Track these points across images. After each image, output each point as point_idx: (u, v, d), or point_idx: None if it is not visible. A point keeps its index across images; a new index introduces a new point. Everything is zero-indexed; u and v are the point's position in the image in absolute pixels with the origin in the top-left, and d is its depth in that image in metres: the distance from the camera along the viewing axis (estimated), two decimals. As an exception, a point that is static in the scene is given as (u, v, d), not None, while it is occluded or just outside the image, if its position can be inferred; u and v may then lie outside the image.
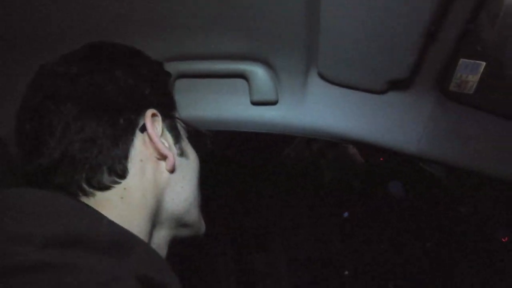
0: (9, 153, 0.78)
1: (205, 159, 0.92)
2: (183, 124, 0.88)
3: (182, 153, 0.82)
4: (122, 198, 0.70)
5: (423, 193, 2.65)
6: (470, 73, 0.96)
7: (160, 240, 0.80)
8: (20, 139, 0.73)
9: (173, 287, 0.62)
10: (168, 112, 0.83)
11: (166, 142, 0.78)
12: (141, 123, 0.75)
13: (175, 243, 0.86)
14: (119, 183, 0.71)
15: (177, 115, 0.87)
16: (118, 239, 0.59)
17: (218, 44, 1.00)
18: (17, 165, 0.76)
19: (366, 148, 1.14)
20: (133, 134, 0.73)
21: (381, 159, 3.25)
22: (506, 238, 2.41)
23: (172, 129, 0.82)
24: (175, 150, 0.80)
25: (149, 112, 0.76)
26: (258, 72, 1.05)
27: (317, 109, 1.10)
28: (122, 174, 0.71)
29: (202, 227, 0.91)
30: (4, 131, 0.96)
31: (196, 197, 0.85)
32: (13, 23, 0.93)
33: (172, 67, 1.06)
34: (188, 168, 0.83)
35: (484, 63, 0.94)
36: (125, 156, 0.72)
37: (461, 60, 0.96)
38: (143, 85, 0.78)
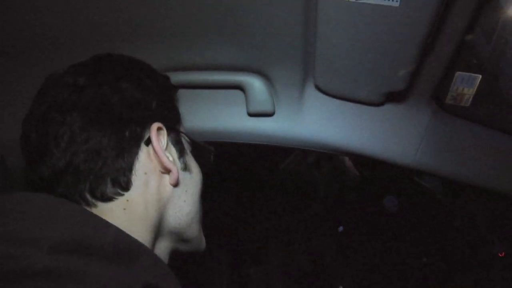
0: (5, 162, 0.76)
1: (207, 173, 0.91)
2: (187, 138, 0.88)
3: (185, 167, 0.82)
4: (124, 209, 0.70)
5: (418, 207, 2.63)
6: (466, 86, 0.97)
7: (161, 250, 0.80)
8: (26, 148, 0.73)
9: None
10: (173, 125, 0.83)
11: (170, 156, 0.78)
12: (146, 136, 0.75)
13: (175, 255, 0.87)
14: (122, 195, 0.71)
15: (181, 129, 0.87)
16: (124, 247, 0.58)
17: (215, 54, 1.00)
18: (14, 174, 0.75)
19: (363, 160, 1.14)
20: (138, 147, 0.74)
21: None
22: (503, 253, 2.40)
23: (177, 143, 0.82)
24: (179, 164, 0.80)
25: (155, 125, 0.75)
26: (255, 84, 1.05)
27: (313, 121, 1.10)
28: (126, 186, 0.71)
29: (202, 244, 0.91)
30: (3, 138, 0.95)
31: (198, 211, 0.85)
32: (14, 31, 0.93)
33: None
34: (191, 182, 0.83)
35: (480, 76, 0.95)
36: (130, 169, 0.72)
37: (457, 73, 0.96)
38: (149, 98, 0.78)
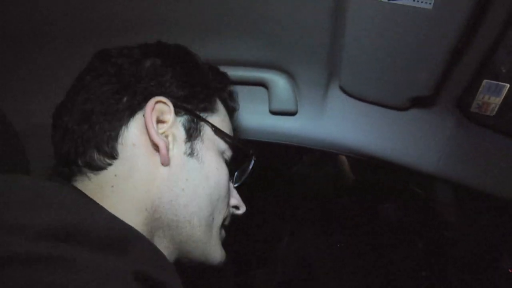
0: (6, 118, 0.75)
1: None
2: (221, 135, 0.82)
3: (192, 153, 0.75)
4: (112, 186, 0.68)
5: (416, 217, 2.59)
6: (492, 94, 0.96)
7: (163, 250, 0.73)
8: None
9: (173, 286, 0.58)
10: (190, 107, 0.78)
11: (170, 135, 0.74)
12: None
13: (182, 266, 0.78)
14: (110, 164, 0.69)
15: (210, 119, 0.81)
16: (117, 234, 0.56)
17: (240, 50, 1.00)
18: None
19: (361, 164, 1.13)
20: (130, 115, 0.71)
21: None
22: (512, 269, 2.38)
23: (190, 127, 0.77)
24: (182, 147, 0.75)
25: (155, 98, 0.72)
26: (279, 82, 1.05)
27: (336, 122, 1.09)
28: (110, 153, 0.69)
29: (216, 254, 0.81)
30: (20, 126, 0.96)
31: (203, 209, 0.75)
32: (23, 17, 0.94)
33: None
34: (198, 172, 0.75)
35: (508, 85, 0.94)
36: (115, 136, 0.70)
37: (485, 81, 0.95)
38: (167, 75, 0.76)
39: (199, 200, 0.74)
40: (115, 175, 0.69)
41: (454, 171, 1.06)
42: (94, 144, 0.68)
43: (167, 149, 0.72)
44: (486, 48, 0.87)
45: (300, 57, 0.98)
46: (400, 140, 1.06)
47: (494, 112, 0.98)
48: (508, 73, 0.93)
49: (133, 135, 0.71)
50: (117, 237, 0.55)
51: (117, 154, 0.69)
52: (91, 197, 0.66)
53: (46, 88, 1.05)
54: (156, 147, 0.71)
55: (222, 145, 0.82)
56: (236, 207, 0.88)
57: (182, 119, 0.76)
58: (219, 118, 0.84)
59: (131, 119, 0.71)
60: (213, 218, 0.77)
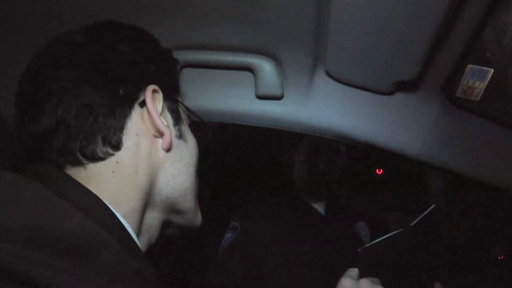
0: (9, 130, 0.75)
1: (205, 151, 0.91)
2: (185, 111, 0.88)
3: (180, 135, 0.81)
4: (113, 172, 0.69)
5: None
6: (477, 79, 0.96)
7: (152, 221, 0.78)
8: (19, 104, 0.72)
9: None
10: (170, 93, 0.83)
11: (165, 121, 0.77)
12: (141, 98, 0.74)
13: (169, 229, 0.86)
14: (113, 154, 0.70)
15: (180, 100, 0.86)
16: (87, 240, 0.54)
17: (226, 35, 1.00)
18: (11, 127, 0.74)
19: (370, 149, 1.13)
20: (131, 107, 0.73)
21: (381, 171, 3.24)
22: (503, 257, 2.40)
23: (173, 110, 0.82)
24: (173, 130, 0.79)
25: (150, 87, 0.75)
26: (265, 66, 1.05)
27: (322, 106, 1.10)
28: (116, 145, 0.70)
29: (198, 219, 0.89)
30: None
31: (193, 183, 0.83)
32: (24, 18, 0.93)
33: (179, 56, 1.05)
34: (186, 152, 0.82)
35: (492, 70, 0.94)
36: (121, 127, 0.71)
37: (469, 66, 0.95)
38: (148, 62, 0.77)
39: (190, 176, 0.82)
40: (117, 162, 0.70)
41: (438, 156, 1.06)
42: (101, 137, 0.68)
43: (172, 137, 0.77)
44: (471, 33, 0.88)
45: (286, 42, 0.98)
46: (385, 124, 1.07)
47: (479, 97, 0.99)
48: (493, 58, 0.94)
49: (136, 125, 0.73)
50: (86, 242, 0.54)
51: (122, 145, 0.70)
52: (87, 181, 0.66)
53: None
54: (157, 133, 0.75)
55: (187, 118, 0.89)
56: None
57: (167, 104, 0.80)
58: (181, 96, 0.90)
59: (132, 109, 0.73)
60: (196, 187, 0.86)
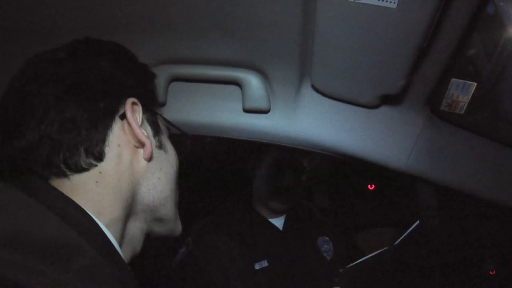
0: None
1: (185, 161, 0.93)
2: (164, 122, 0.90)
3: (160, 146, 0.83)
4: (97, 182, 0.70)
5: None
6: (461, 93, 0.97)
7: (135, 231, 0.80)
8: (1, 122, 0.73)
9: None
10: (149, 106, 0.84)
11: (145, 132, 0.78)
12: (121, 111, 0.76)
13: (151, 239, 0.87)
14: (96, 165, 0.71)
15: (158, 112, 0.88)
16: (62, 244, 0.54)
17: (214, 49, 1.01)
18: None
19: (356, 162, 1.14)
20: (112, 119, 0.74)
21: (373, 186, 3.24)
22: (495, 271, 2.39)
23: (153, 122, 0.84)
24: (153, 141, 0.81)
25: (130, 100, 0.76)
26: (252, 80, 1.06)
27: (308, 120, 1.10)
28: (99, 156, 0.71)
29: (178, 227, 0.91)
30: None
31: (173, 192, 0.86)
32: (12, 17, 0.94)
33: (167, 70, 1.07)
34: (166, 161, 0.84)
35: (475, 84, 0.95)
36: (103, 139, 0.72)
37: (453, 80, 0.97)
38: (126, 77, 0.79)
39: (170, 185, 0.84)
40: (100, 172, 0.71)
41: (424, 168, 1.07)
42: (84, 149, 0.70)
43: (152, 148, 0.78)
44: (453, 47, 0.89)
45: (272, 56, 1.00)
46: (371, 137, 1.08)
47: (463, 110, 1.00)
48: (475, 71, 0.95)
49: (117, 137, 0.74)
50: (62, 247, 0.54)
51: (104, 156, 0.72)
52: (71, 192, 0.66)
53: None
54: (138, 144, 0.77)
55: (166, 129, 0.90)
56: None
57: (146, 116, 0.82)
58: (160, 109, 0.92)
59: (113, 121, 0.74)
60: (176, 196, 0.88)
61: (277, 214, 1.97)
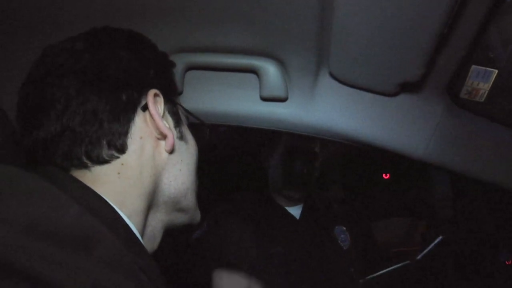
0: (6, 116, 0.75)
1: (204, 150, 0.94)
2: (184, 112, 0.90)
3: (181, 137, 0.84)
4: (119, 173, 0.71)
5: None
6: (481, 80, 0.96)
7: (157, 223, 0.80)
8: (22, 112, 0.74)
9: None
10: (170, 96, 0.85)
11: (166, 124, 0.79)
12: (143, 103, 0.76)
13: (170, 231, 0.87)
14: (118, 157, 0.71)
15: (178, 102, 0.89)
16: (83, 232, 0.53)
17: (231, 37, 1.00)
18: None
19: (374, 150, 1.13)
20: (134, 111, 0.74)
21: (387, 175, 3.23)
22: (510, 261, 2.38)
23: (173, 113, 0.84)
24: (175, 132, 0.82)
25: (152, 91, 0.77)
26: (270, 68, 1.05)
27: (326, 108, 1.10)
28: (121, 148, 0.71)
29: (198, 215, 0.92)
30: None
31: (193, 182, 0.86)
32: (24, 10, 0.94)
33: (183, 58, 1.06)
34: (187, 152, 0.85)
35: (496, 71, 0.94)
36: (125, 132, 0.72)
37: (473, 67, 0.95)
38: (147, 67, 0.79)
39: (191, 176, 0.85)
40: (122, 164, 0.71)
41: (443, 157, 1.06)
42: (106, 142, 0.70)
43: (174, 140, 0.79)
44: (474, 33, 0.88)
45: (290, 44, 0.99)
46: (390, 125, 1.07)
47: (483, 98, 0.98)
48: (496, 58, 0.94)
49: (139, 129, 0.74)
50: (83, 235, 0.53)
51: (126, 148, 0.72)
52: (93, 182, 0.67)
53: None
54: (160, 135, 0.77)
55: (186, 119, 0.91)
56: None
57: (167, 107, 0.82)
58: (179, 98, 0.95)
59: (136, 113, 0.74)
60: (196, 185, 0.88)
61: (293, 202, 1.98)
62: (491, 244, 2.47)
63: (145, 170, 0.74)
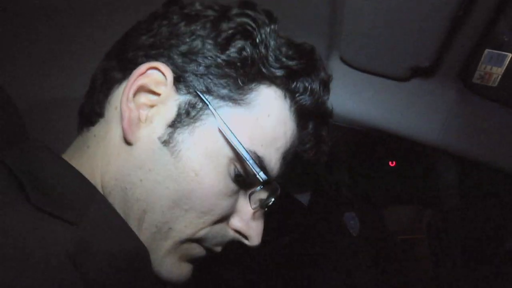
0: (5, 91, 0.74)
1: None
2: (231, 140, 0.60)
3: (167, 142, 0.60)
4: (88, 147, 0.63)
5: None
6: (494, 64, 0.95)
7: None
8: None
9: (129, 255, 0.54)
10: (201, 89, 0.61)
11: (155, 111, 0.62)
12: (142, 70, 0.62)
13: None
14: (97, 122, 0.64)
15: (224, 111, 0.62)
16: (76, 195, 0.54)
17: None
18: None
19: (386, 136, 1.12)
20: (125, 76, 0.63)
21: (393, 163, 3.22)
22: (517, 250, 2.37)
23: (186, 111, 0.61)
24: (160, 130, 0.61)
25: (151, 63, 0.61)
26: (280, 53, 1.04)
27: (337, 93, 1.09)
28: (100, 111, 0.64)
29: (161, 269, 0.64)
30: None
31: (159, 214, 0.60)
32: None
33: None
34: (167, 169, 0.60)
35: (510, 55, 0.93)
36: (106, 95, 0.64)
37: (486, 51, 0.94)
38: (179, 40, 0.62)
39: (157, 201, 0.60)
40: (94, 135, 0.64)
41: (455, 142, 1.05)
42: (95, 100, 0.65)
43: (131, 123, 0.60)
44: (488, 17, 0.87)
45: (300, 29, 0.98)
46: (402, 111, 1.06)
47: (496, 83, 0.97)
48: (510, 42, 0.93)
49: (117, 97, 0.63)
50: (74, 197, 0.53)
51: (103, 113, 0.64)
52: (73, 153, 0.65)
53: (48, 64, 1.05)
54: (137, 119, 0.61)
55: (230, 152, 0.61)
56: (241, 234, 0.67)
57: (181, 98, 0.61)
58: (249, 116, 0.63)
59: (124, 79, 0.63)
60: (170, 228, 0.61)
61: (302, 189, 1.97)
62: (497, 233, 2.47)
63: (106, 152, 0.62)
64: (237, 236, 0.67)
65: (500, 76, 0.96)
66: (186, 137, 0.60)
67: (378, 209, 2.35)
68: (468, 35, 0.91)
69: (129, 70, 0.62)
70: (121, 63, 0.64)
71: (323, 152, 0.75)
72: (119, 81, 0.64)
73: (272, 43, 0.66)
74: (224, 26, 0.62)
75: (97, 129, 0.64)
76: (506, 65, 0.94)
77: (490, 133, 1.03)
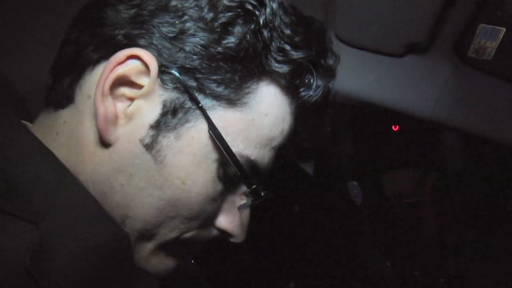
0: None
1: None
2: (221, 144, 0.53)
3: (150, 147, 0.52)
4: (57, 134, 0.54)
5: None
6: (489, 39, 0.95)
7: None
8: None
9: (105, 245, 0.49)
10: (190, 85, 0.52)
11: (135, 108, 0.53)
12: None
13: None
14: (67, 105, 0.54)
15: (215, 112, 0.54)
16: (41, 182, 0.47)
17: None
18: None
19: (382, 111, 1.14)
20: (100, 58, 0.53)
21: (397, 127, 3.22)
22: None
23: (173, 109, 0.53)
24: (142, 131, 0.52)
25: (132, 50, 0.51)
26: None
27: (332, 70, 1.10)
28: (70, 95, 0.54)
29: (146, 267, 0.59)
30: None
31: (142, 222, 0.55)
32: None
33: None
34: (150, 175, 0.53)
35: (504, 29, 0.93)
36: (76, 79, 0.54)
37: (481, 25, 0.94)
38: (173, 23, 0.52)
39: (139, 207, 0.54)
40: (64, 122, 0.54)
41: (451, 116, 1.07)
42: (66, 81, 0.55)
43: (107, 121, 0.52)
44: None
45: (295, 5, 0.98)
46: (397, 86, 1.07)
47: (491, 57, 0.98)
48: (504, 16, 0.93)
49: (91, 85, 0.53)
50: (43, 181, 0.47)
51: (73, 99, 0.54)
52: (42, 131, 0.55)
53: (48, 49, 1.06)
54: (114, 116, 0.52)
55: (220, 157, 0.55)
56: (227, 233, 0.62)
57: (166, 95, 0.53)
58: (244, 117, 0.55)
59: (98, 65, 0.54)
60: (154, 233, 0.57)
61: (306, 159, 2.00)
62: (500, 194, 2.48)
63: (79, 146, 0.54)
64: (222, 234, 0.62)
65: (494, 50, 0.96)
66: (171, 142, 0.53)
67: (378, 176, 2.37)
68: (462, 10, 0.91)
69: (105, 50, 0.52)
70: (96, 40, 0.53)
71: (323, 139, 0.70)
72: (93, 63, 0.53)
73: (277, 23, 0.55)
74: (222, 6, 0.52)
75: (67, 115, 0.54)
76: (500, 39, 0.95)
77: (485, 106, 1.04)
